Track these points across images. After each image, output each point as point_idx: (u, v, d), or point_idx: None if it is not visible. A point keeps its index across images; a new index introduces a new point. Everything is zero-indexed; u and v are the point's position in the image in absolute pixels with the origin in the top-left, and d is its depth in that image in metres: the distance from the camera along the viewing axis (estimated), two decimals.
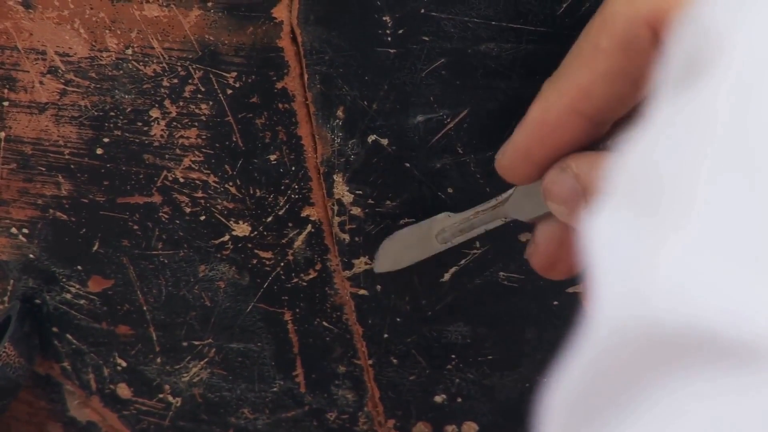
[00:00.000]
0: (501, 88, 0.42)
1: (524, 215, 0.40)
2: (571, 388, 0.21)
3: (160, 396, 0.56)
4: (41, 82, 0.45)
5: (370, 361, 0.52)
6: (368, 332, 0.51)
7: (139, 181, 0.47)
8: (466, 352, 0.51)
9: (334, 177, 0.45)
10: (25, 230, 0.50)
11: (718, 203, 0.19)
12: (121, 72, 0.44)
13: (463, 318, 0.50)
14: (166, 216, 0.48)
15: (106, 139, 0.46)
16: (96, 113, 0.45)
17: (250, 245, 0.49)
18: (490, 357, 0.51)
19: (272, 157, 0.45)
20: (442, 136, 0.43)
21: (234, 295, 0.51)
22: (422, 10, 0.40)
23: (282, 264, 0.49)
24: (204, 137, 0.45)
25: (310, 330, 0.52)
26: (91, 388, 0.57)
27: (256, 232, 0.48)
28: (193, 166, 0.46)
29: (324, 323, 0.51)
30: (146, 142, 0.46)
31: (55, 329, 0.54)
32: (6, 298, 0.54)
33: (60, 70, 0.44)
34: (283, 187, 0.46)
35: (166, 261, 0.50)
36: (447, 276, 0.48)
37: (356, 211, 0.46)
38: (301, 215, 0.47)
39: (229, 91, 0.43)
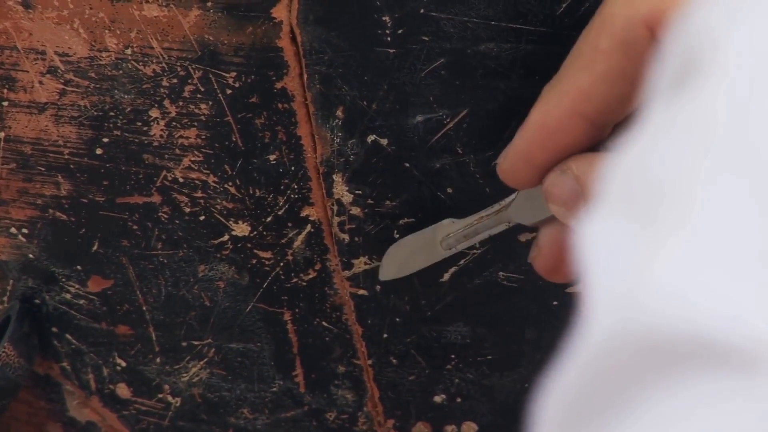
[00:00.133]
0: (500, 88, 0.42)
1: (527, 219, 0.40)
2: (567, 390, 0.21)
3: (160, 396, 0.56)
4: (41, 82, 0.45)
5: (369, 361, 0.52)
6: (368, 332, 0.51)
7: (139, 181, 0.47)
8: (466, 352, 0.51)
9: (334, 177, 0.45)
10: (24, 230, 0.50)
11: (716, 207, 0.19)
12: (121, 72, 0.44)
13: (463, 318, 0.50)
14: (166, 216, 0.48)
15: (105, 139, 0.46)
16: (95, 113, 0.45)
17: (249, 245, 0.49)
18: (489, 357, 0.51)
19: (272, 157, 0.45)
20: (442, 136, 0.43)
21: (233, 295, 0.51)
22: (422, 10, 0.40)
23: (281, 264, 0.49)
24: (203, 137, 0.45)
25: (309, 330, 0.52)
26: (91, 388, 0.57)
27: (255, 232, 0.48)
28: (192, 166, 0.46)
29: (323, 323, 0.51)
30: (146, 142, 0.46)
31: (54, 329, 0.54)
32: (5, 298, 0.54)
33: (59, 70, 0.44)
34: (282, 187, 0.46)
35: (165, 261, 0.50)
36: (446, 276, 0.48)
37: (356, 211, 0.46)
38: (301, 215, 0.47)
39: (229, 91, 0.43)
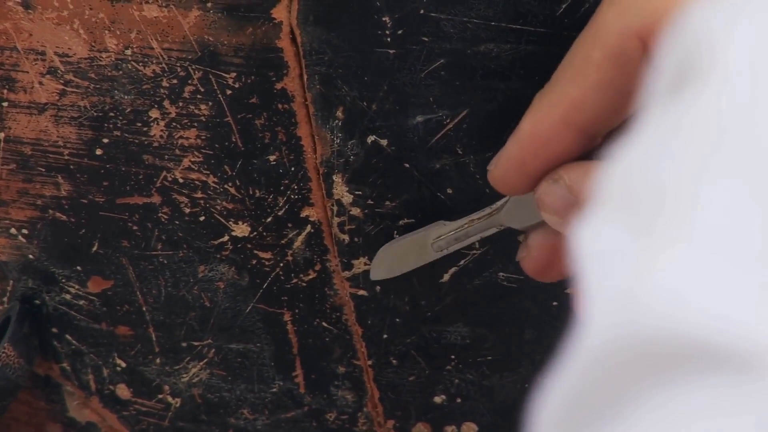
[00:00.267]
0: (500, 88, 0.42)
1: (519, 224, 0.41)
2: (567, 391, 0.21)
3: (160, 396, 0.56)
4: (41, 83, 0.45)
5: (369, 362, 0.52)
6: (368, 333, 0.51)
7: (139, 181, 0.47)
8: (466, 353, 0.51)
9: (334, 177, 0.45)
10: (24, 231, 0.50)
11: (714, 209, 0.19)
12: (121, 72, 0.44)
13: (463, 319, 0.50)
14: (166, 216, 0.48)
15: (105, 140, 0.46)
16: (95, 114, 0.45)
17: (249, 246, 0.48)
18: (489, 358, 0.51)
19: (272, 158, 0.45)
20: (442, 137, 0.43)
21: (233, 296, 0.51)
22: (422, 11, 0.40)
23: (281, 264, 0.49)
24: (203, 138, 0.45)
25: (309, 330, 0.52)
26: (91, 389, 0.57)
27: (255, 233, 0.48)
28: (192, 166, 0.46)
29: (323, 324, 0.51)
30: (146, 142, 0.46)
31: (54, 330, 0.54)
32: (5, 299, 0.54)
33: (59, 71, 0.44)
34: (282, 188, 0.46)
35: (165, 261, 0.50)
36: (446, 277, 0.48)
37: (356, 211, 0.46)
38: (301, 216, 0.47)
39: (229, 92, 0.43)
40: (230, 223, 0.48)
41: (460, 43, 0.41)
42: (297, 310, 0.51)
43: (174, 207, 0.48)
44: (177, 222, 0.48)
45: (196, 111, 0.44)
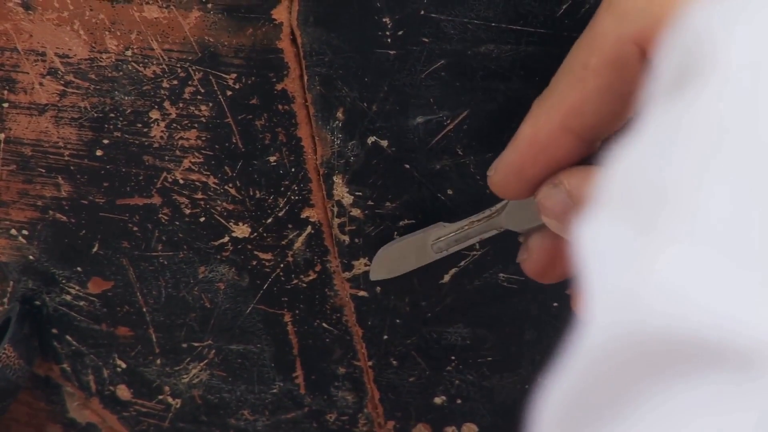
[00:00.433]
0: (501, 89, 0.42)
1: (519, 226, 0.41)
2: (567, 392, 0.21)
3: (160, 397, 0.56)
4: (41, 84, 0.45)
5: (369, 363, 0.52)
6: (368, 334, 0.51)
7: (139, 182, 0.47)
8: (466, 354, 0.51)
9: (334, 178, 0.45)
10: (24, 232, 0.50)
11: (711, 210, 0.19)
12: (121, 73, 0.44)
13: (463, 319, 0.50)
14: (166, 217, 0.48)
15: (105, 141, 0.46)
16: (96, 115, 0.45)
17: (249, 247, 0.49)
18: (489, 358, 0.51)
19: (272, 159, 0.45)
20: (442, 138, 0.43)
21: (234, 297, 0.51)
22: (422, 12, 0.40)
23: (282, 265, 0.49)
24: (204, 139, 0.45)
25: (309, 331, 0.52)
26: (91, 390, 0.57)
27: (255, 234, 0.48)
28: (192, 167, 0.46)
29: (324, 325, 0.51)
30: (146, 143, 0.46)
31: (54, 331, 0.54)
32: (5, 300, 0.54)
33: (60, 72, 0.44)
34: (282, 189, 0.46)
35: (165, 262, 0.50)
36: (447, 277, 0.48)
37: (356, 212, 0.46)
38: (301, 217, 0.47)
39: (229, 93, 0.43)
40: (230, 224, 0.48)
41: (460, 44, 0.41)
42: (297, 311, 0.51)
43: (174, 208, 0.48)
44: (177, 223, 0.48)
45: (197, 112, 0.44)
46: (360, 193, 0.46)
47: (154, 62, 0.43)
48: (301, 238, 0.48)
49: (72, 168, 0.47)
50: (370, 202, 0.46)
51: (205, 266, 0.50)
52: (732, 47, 0.21)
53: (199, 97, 0.44)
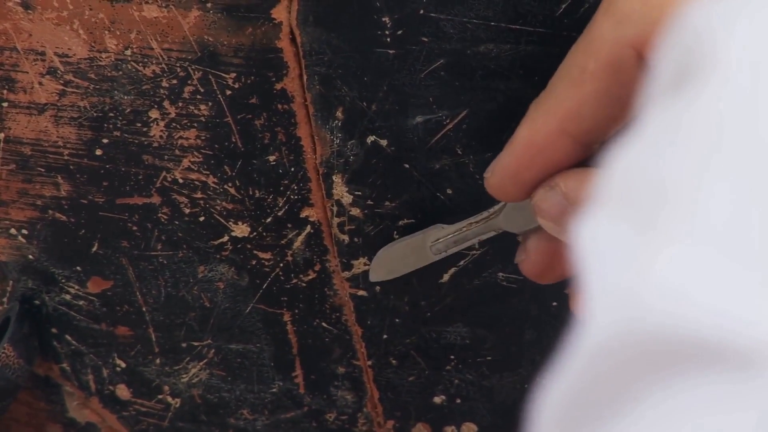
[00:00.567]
0: (500, 89, 0.42)
1: (517, 228, 0.42)
2: (567, 391, 0.21)
3: (159, 397, 0.56)
4: (40, 83, 0.45)
5: (369, 362, 0.52)
6: (367, 333, 0.51)
7: (139, 181, 0.47)
8: (466, 353, 0.51)
9: (334, 178, 0.45)
10: (24, 231, 0.50)
11: (711, 208, 0.19)
12: (121, 73, 0.44)
13: (462, 319, 0.50)
14: (166, 217, 0.48)
15: (105, 140, 0.46)
16: (95, 114, 0.45)
17: (249, 246, 0.49)
18: (489, 358, 0.51)
19: (271, 158, 0.45)
20: (441, 137, 0.43)
21: (233, 296, 0.51)
22: (421, 11, 0.40)
23: (281, 265, 0.49)
24: (203, 138, 0.45)
25: (309, 331, 0.52)
26: (91, 389, 0.57)
27: (255, 233, 0.48)
28: (192, 166, 0.46)
29: (323, 324, 0.51)
30: (145, 143, 0.46)
31: (54, 330, 0.54)
32: (5, 299, 0.54)
33: (59, 71, 0.44)
34: (282, 188, 0.46)
35: (165, 262, 0.50)
36: (446, 277, 0.48)
37: (355, 211, 0.46)
38: (301, 216, 0.47)
39: (228, 92, 0.43)
40: (230, 223, 0.48)
41: (459, 44, 0.41)
42: (297, 311, 0.51)
43: (174, 207, 0.48)
44: (177, 222, 0.48)
45: (196, 111, 0.44)
46: (359, 193, 0.46)
47: (154, 62, 0.43)
48: (300, 238, 0.48)
49: (71, 167, 0.47)
50: (369, 202, 0.46)
51: (205, 265, 0.50)
52: (731, 46, 0.21)
53: (198, 96, 0.44)
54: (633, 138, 0.22)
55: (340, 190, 0.46)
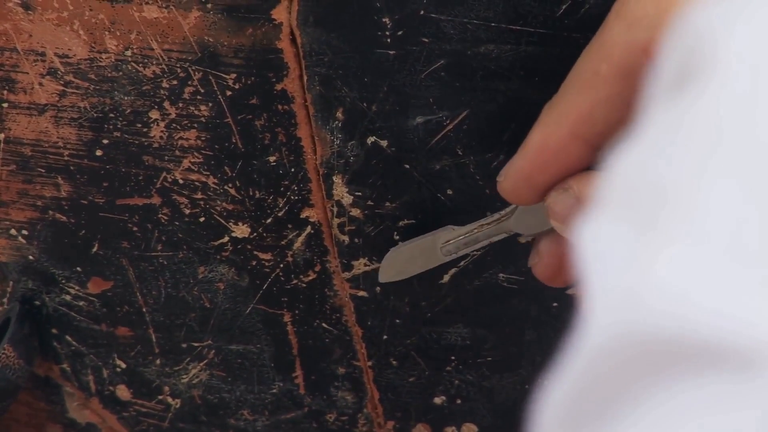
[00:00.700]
0: (500, 89, 0.42)
1: (528, 230, 0.42)
2: (567, 392, 0.21)
3: (160, 397, 0.56)
4: (41, 84, 0.45)
5: (369, 363, 0.52)
6: (368, 334, 0.51)
7: (139, 182, 0.47)
8: (466, 354, 0.51)
9: (334, 178, 0.45)
10: (24, 232, 0.50)
11: (716, 208, 0.19)
12: (121, 73, 0.44)
13: (463, 319, 0.50)
14: (166, 217, 0.48)
15: (105, 141, 0.46)
16: (95, 115, 0.45)
17: (249, 247, 0.49)
18: (489, 358, 0.51)
19: (272, 159, 0.45)
20: (442, 138, 0.43)
21: (233, 297, 0.51)
22: (421, 12, 0.40)
23: (281, 265, 0.49)
24: (203, 139, 0.45)
25: (309, 331, 0.52)
26: (91, 390, 0.57)
27: (255, 234, 0.48)
28: (192, 167, 0.46)
29: (323, 325, 0.51)
30: (146, 143, 0.46)
31: (54, 331, 0.54)
32: (5, 300, 0.54)
33: (59, 72, 0.44)
34: (282, 189, 0.46)
35: (165, 262, 0.50)
36: (446, 277, 0.48)
37: (355, 212, 0.46)
38: (301, 217, 0.47)
39: (229, 93, 0.43)
40: (230, 224, 0.48)
41: (460, 44, 0.41)
42: (297, 311, 0.51)
43: (174, 208, 0.48)
44: (177, 223, 0.48)
45: (196, 112, 0.44)
46: (360, 193, 0.46)
47: (154, 62, 0.43)
48: (300, 238, 0.48)
49: (72, 168, 0.47)
50: (369, 202, 0.46)
51: (205, 266, 0.50)
52: (732, 48, 0.21)
53: (198, 97, 0.44)
54: (635, 140, 0.22)
55: (341, 191, 0.46)
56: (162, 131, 0.45)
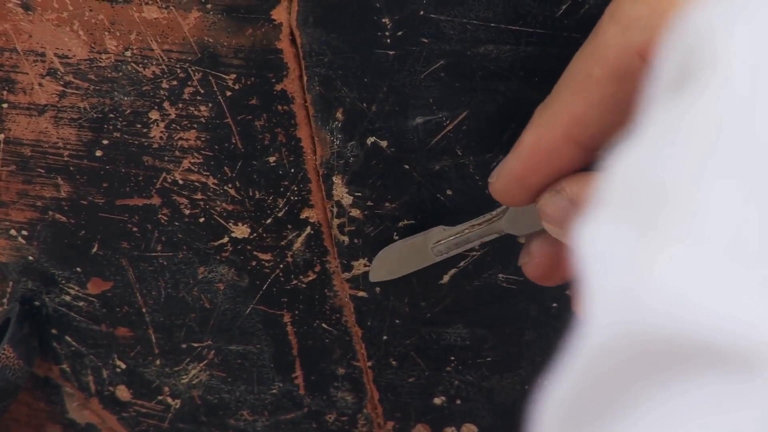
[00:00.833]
0: (500, 90, 0.42)
1: (520, 231, 0.42)
2: (567, 392, 0.21)
3: (159, 398, 0.56)
4: (40, 84, 0.45)
5: (369, 363, 0.52)
6: (367, 334, 0.51)
7: (139, 183, 0.47)
8: (465, 354, 0.51)
9: (334, 179, 0.45)
10: (24, 232, 0.50)
11: (711, 210, 0.19)
12: (121, 74, 0.44)
13: (462, 320, 0.50)
14: (166, 218, 0.48)
15: (105, 141, 0.46)
16: (95, 115, 0.45)
17: (249, 247, 0.49)
18: (489, 359, 0.51)
19: (271, 159, 0.45)
20: (441, 138, 0.43)
21: (233, 297, 0.51)
22: (421, 12, 0.40)
23: (281, 266, 0.49)
24: (203, 139, 0.45)
25: (309, 332, 0.52)
26: (91, 390, 0.57)
27: (255, 234, 0.48)
28: (192, 168, 0.46)
29: (323, 325, 0.51)
30: (145, 144, 0.46)
31: (54, 331, 0.54)
32: (5, 300, 0.54)
33: (59, 72, 0.44)
34: (282, 189, 0.46)
35: (165, 263, 0.50)
36: (446, 278, 0.48)
37: (355, 212, 0.46)
38: (301, 217, 0.47)
39: (229, 93, 0.43)
40: (230, 224, 0.48)
41: (459, 45, 0.41)
42: (297, 312, 0.51)
43: (174, 208, 0.48)
44: (177, 223, 0.48)
45: (196, 112, 0.44)
46: (359, 194, 0.46)
47: (154, 63, 0.43)
48: (300, 239, 0.48)
49: (71, 168, 0.47)
50: (369, 203, 0.46)
51: (205, 267, 0.50)
52: (731, 48, 0.21)
53: (198, 97, 0.44)
54: (634, 140, 0.22)
55: (340, 191, 0.46)
56: (162, 132, 0.45)
